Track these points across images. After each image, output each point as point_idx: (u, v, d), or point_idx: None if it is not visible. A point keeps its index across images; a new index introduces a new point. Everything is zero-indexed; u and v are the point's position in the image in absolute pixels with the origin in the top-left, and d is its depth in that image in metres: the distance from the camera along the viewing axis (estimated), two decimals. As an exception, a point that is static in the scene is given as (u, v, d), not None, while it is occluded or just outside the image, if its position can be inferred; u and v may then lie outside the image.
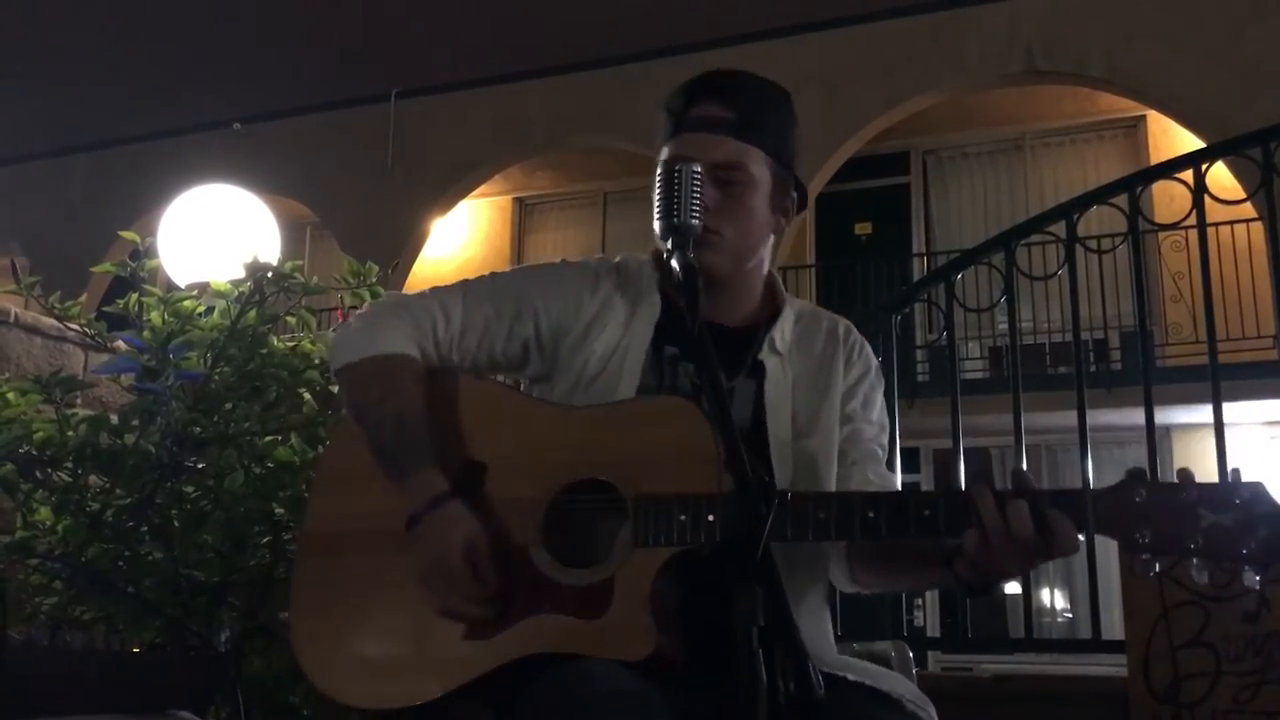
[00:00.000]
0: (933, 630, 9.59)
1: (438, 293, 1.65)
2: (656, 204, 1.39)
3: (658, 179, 1.41)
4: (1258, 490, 1.22)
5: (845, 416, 1.63)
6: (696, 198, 1.38)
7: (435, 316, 1.61)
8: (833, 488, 1.57)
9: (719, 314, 1.58)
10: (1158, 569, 1.24)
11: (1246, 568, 1.21)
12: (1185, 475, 1.24)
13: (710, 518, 1.33)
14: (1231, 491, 1.22)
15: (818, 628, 1.54)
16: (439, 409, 1.55)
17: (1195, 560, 1.22)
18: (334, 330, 1.70)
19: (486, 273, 1.71)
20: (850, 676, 1.44)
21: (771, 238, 1.64)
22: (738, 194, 1.55)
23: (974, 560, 1.29)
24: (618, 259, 1.70)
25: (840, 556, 1.57)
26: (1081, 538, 1.29)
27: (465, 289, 1.66)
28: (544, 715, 1.24)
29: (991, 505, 1.27)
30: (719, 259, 1.54)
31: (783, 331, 1.63)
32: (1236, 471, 1.25)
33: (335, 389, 2.08)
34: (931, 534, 1.31)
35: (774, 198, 1.61)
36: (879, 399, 1.69)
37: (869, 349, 1.71)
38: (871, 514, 1.32)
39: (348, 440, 1.61)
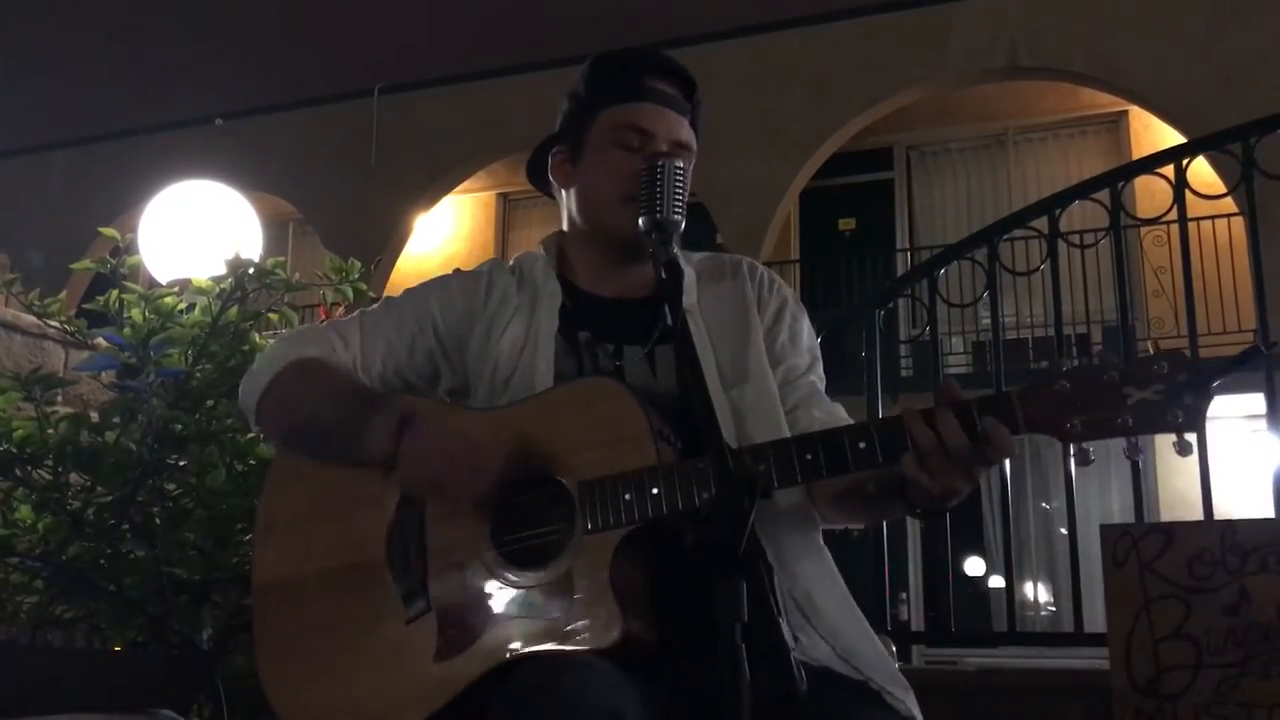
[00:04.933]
0: (917, 624, 9.62)
1: (333, 324, 1.65)
2: (640, 198, 1.38)
3: (641, 174, 1.40)
4: (1177, 358, 1.23)
5: (775, 357, 1.61)
6: (679, 194, 1.38)
7: (333, 341, 1.60)
8: (784, 432, 1.54)
9: (626, 289, 1.59)
10: (1091, 458, 1.26)
11: (1180, 435, 1.22)
12: (1105, 356, 1.25)
13: (655, 490, 1.32)
14: (1152, 364, 1.23)
15: (824, 574, 1.52)
16: None
17: (1130, 439, 1.24)
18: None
19: (382, 298, 1.70)
20: (836, 668, 1.43)
21: None
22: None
23: (916, 483, 1.29)
24: (511, 260, 1.70)
25: (804, 497, 1.55)
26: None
27: (361, 315, 1.65)
28: (520, 712, 1.22)
29: (921, 423, 1.27)
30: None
31: (685, 288, 1.58)
32: (1155, 343, 1.26)
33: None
34: (871, 465, 1.31)
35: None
36: (805, 327, 1.66)
37: (780, 280, 1.69)
38: (809, 456, 1.31)
39: (281, 484, 1.59)
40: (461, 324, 1.61)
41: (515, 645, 1.34)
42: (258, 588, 1.58)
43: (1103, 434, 1.25)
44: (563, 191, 1.66)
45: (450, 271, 1.72)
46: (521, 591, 1.37)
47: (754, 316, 1.62)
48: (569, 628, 1.32)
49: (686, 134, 1.58)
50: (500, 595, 1.38)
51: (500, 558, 1.40)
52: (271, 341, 1.80)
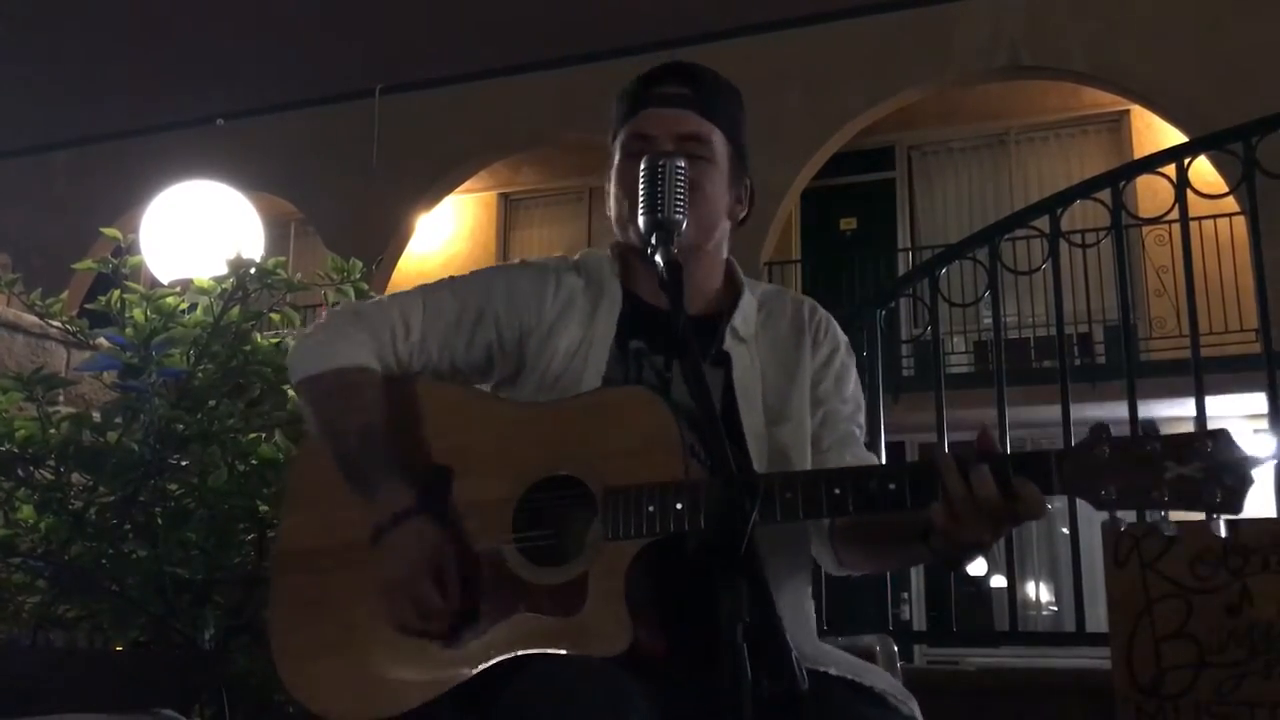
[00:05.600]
0: (919, 624, 9.62)
1: (398, 301, 1.64)
2: (640, 199, 1.39)
3: (641, 174, 1.40)
4: (1222, 438, 1.21)
5: (817, 399, 1.63)
6: (680, 192, 1.38)
7: (395, 327, 1.60)
8: None
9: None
10: (1123, 527, 1.24)
11: (1215, 515, 1.19)
12: (1149, 428, 1.24)
13: (679, 506, 1.33)
14: (1196, 442, 1.21)
15: (799, 616, 1.54)
16: (403, 417, 1.55)
17: (1161, 513, 1.22)
18: (292, 339, 1.69)
19: (445, 278, 1.70)
20: (832, 671, 1.44)
21: (727, 223, 1.65)
22: (701, 167, 1.53)
23: (944, 532, 1.28)
24: (577, 256, 1.70)
25: (824, 539, 1.57)
26: (1055, 503, 1.28)
27: (425, 296, 1.65)
28: (525, 710, 1.23)
29: (955, 473, 1.26)
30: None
31: (745, 317, 1.63)
32: (1201, 422, 1.24)
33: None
34: (898, 507, 1.30)
35: (731, 179, 1.62)
36: (852, 376, 1.68)
37: (836, 326, 1.70)
38: (838, 490, 1.31)
39: (314, 454, 1.61)
40: (526, 318, 1.61)
41: (524, 641, 1.35)
42: (278, 554, 1.60)
43: (1136, 504, 1.24)
44: None
45: (517, 262, 1.72)
46: (535, 588, 1.38)
47: (805, 357, 1.63)
48: (579, 631, 1.32)
49: (692, 124, 1.56)
50: (514, 589, 1.39)
51: (519, 553, 1.41)
52: (342, 306, 1.80)
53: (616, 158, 1.61)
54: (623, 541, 1.35)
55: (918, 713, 1.46)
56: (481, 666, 1.36)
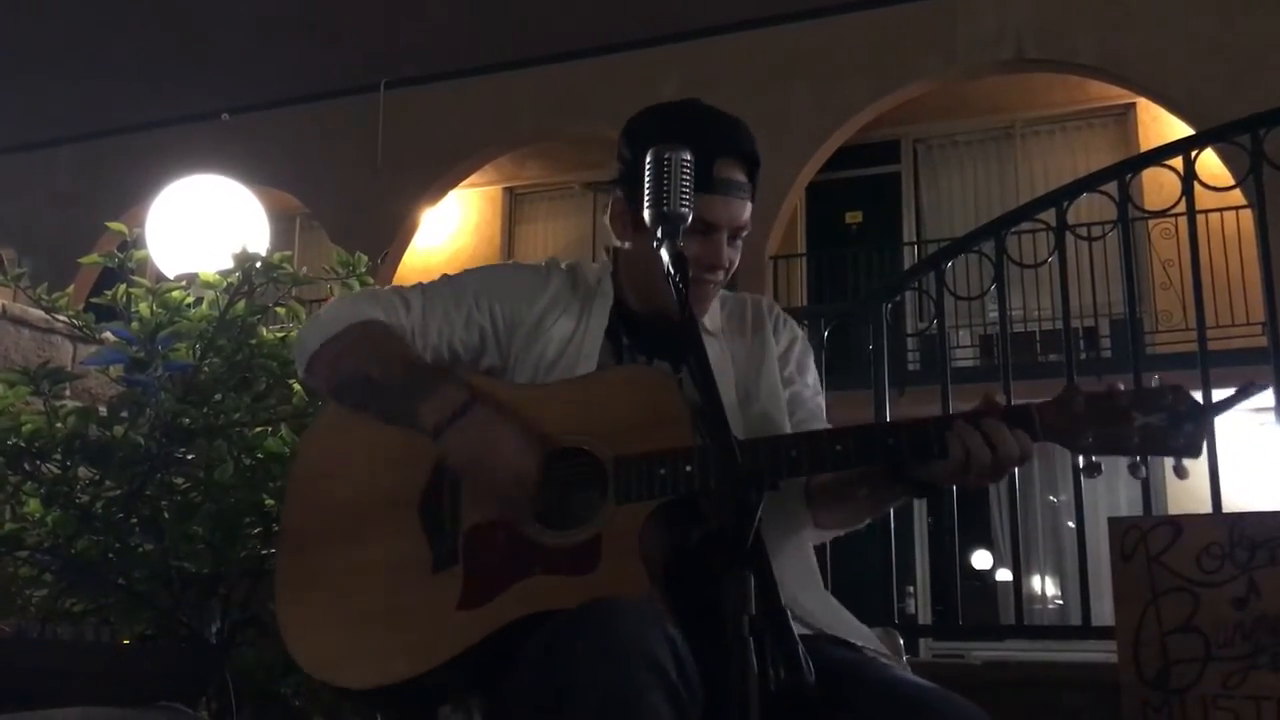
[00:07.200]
0: (924, 617, 9.62)
1: (396, 289, 1.73)
2: (646, 192, 1.39)
3: (648, 167, 1.39)
4: (1179, 392, 1.38)
5: (785, 380, 1.72)
6: (686, 185, 1.38)
7: (398, 306, 1.67)
8: None
9: (667, 308, 1.57)
10: (1098, 472, 1.42)
11: (1178, 459, 1.36)
12: (1112, 386, 1.39)
13: (688, 469, 1.39)
14: (1158, 395, 1.39)
15: (801, 571, 1.62)
16: None
17: (1136, 458, 1.39)
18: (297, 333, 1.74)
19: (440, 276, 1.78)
20: (826, 631, 1.53)
21: None
22: (738, 245, 1.66)
23: (948, 476, 1.41)
24: (565, 264, 1.78)
25: (799, 504, 1.64)
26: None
27: (423, 286, 1.73)
28: (567, 634, 1.25)
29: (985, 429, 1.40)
30: (715, 295, 1.69)
31: (711, 315, 1.72)
32: (1159, 380, 1.40)
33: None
34: (897, 460, 1.43)
35: None
36: (811, 363, 1.81)
37: (792, 320, 1.82)
38: (839, 447, 1.42)
39: (325, 434, 1.66)
40: (516, 309, 1.68)
41: (540, 599, 1.37)
42: (287, 529, 1.63)
43: (1112, 450, 1.40)
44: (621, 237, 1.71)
45: (509, 262, 1.81)
46: (549, 549, 1.42)
47: (769, 344, 1.73)
48: (596, 586, 1.35)
49: (746, 213, 1.63)
50: (529, 553, 1.42)
51: (532, 518, 1.44)
52: (336, 298, 1.87)
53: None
54: (635, 504, 1.40)
55: (897, 664, 1.55)
56: (499, 625, 1.38)
